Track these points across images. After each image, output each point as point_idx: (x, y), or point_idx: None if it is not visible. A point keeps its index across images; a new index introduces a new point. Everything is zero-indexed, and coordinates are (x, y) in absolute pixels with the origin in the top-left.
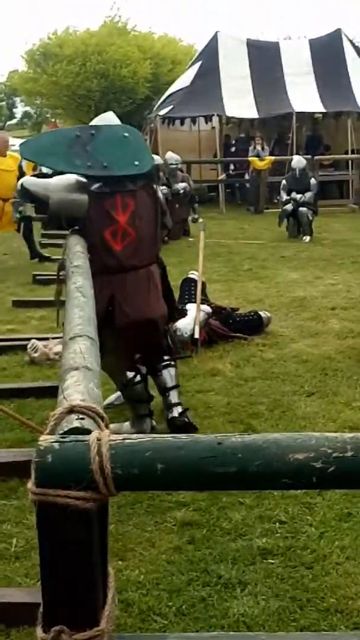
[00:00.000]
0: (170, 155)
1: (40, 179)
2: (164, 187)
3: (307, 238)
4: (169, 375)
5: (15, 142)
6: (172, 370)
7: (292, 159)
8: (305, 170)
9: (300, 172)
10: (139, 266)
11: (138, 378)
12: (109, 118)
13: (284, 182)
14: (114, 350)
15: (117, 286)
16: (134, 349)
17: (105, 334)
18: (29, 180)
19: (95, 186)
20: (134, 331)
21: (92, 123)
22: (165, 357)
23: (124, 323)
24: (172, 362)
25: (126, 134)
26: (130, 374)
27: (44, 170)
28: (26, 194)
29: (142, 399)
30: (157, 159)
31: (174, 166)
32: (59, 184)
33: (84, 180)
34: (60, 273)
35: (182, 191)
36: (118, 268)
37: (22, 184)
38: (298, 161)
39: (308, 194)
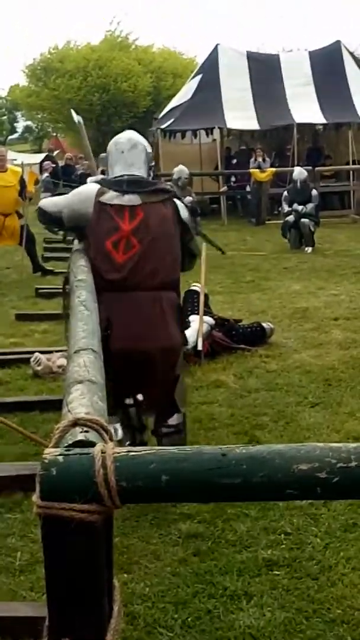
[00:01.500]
0: (181, 169)
1: (54, 197)
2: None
3: (309, 249)
4: (169, 443)
5: (17, 157)
6: (176, 439)
7: (293, 171)
8: (307, 182)
9: (302, 184)
10: (143, 287)
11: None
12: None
13: (285, 193)
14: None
15: (116, 305)
16: (127, 389)
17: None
18: (43, 201)
19: (106, 195)
20: (129, 365)
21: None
22: (172, 422)
23: (117, 349)
24: (179, 428)
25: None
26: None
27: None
28: (43, 214)
29: (134, 427)
30: (181, 170)
31: (186, 180)
32: (68, 198)
33: (95, 189)
34: (66, 287)
35: (190, 205)
36: (120, 284)
37: (38, 207)
38: (299, 173)
39: (310, 205)
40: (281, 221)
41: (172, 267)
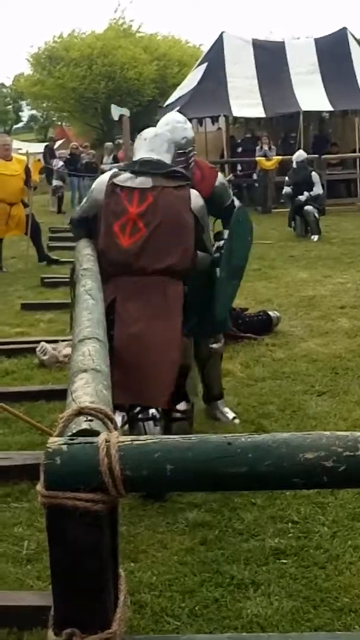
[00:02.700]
0: None
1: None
2: None
3: (315, 237)
4: (181, 431)
5: (22, 146)
6: (184, 426)
7: None
8: (304, 164)
9: (298, 164)
10: (148, 272)
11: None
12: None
13: (287, 177)
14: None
15: (120, 290)
16: (132, 382)
17: None
18: (74, 213)
19: (120, 177)
20: (133, 353)
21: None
22: (180, 407)
23: (123, 338)
24: (188, 415)
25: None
26: (119, 415)
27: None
28: (76, 223)
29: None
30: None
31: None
32: (86, 199)
33: (110, 172)
34: (74, 276)
35: None
36: (125, 268)
37: (69, 221)
38: (298, 155)
39: (314, 191)
40: (287, 209)
41: (182, 257)
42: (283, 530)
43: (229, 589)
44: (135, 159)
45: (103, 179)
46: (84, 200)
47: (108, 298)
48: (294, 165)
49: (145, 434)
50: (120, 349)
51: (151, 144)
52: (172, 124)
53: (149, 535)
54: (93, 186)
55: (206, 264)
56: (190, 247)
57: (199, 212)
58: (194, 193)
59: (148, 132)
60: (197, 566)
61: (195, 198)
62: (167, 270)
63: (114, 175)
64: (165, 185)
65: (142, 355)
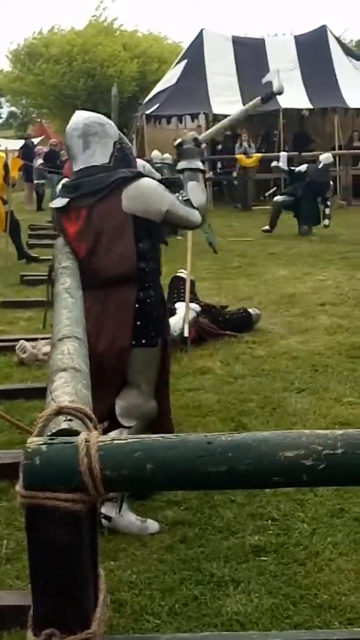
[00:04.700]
0: (156, 154)
1: None
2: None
3: (327, 221)
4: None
5: (0, 142)
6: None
7: (279, 156)
8: (329, 170)
9: (325, 166)
10: (92, 286)
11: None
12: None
13: (302, 168)
14: None
15: (86, 305)
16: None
17: None
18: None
19: (56, 201)
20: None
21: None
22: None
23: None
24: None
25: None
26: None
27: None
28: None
29: None
30: (155, 156)
31: (159, 165)
32: None
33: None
34: (52, 274)
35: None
36: (86, 282)
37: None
38: (326, 157)
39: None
40: (267, 207)
41: (122, 260)
42: (263, 528)
43: (208, 587)
44: (74, 166)
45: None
46: None
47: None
48: (320, 166)
49: None
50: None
51: (87, 144)
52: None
53: (129, 534)
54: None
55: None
56: (130, 247)
57: (132, 207)
58: (127, 192)
59: (78, 129)
60: (177, 564)
61: (127, 199)
62: (108, 279)
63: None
64: (97, 199)
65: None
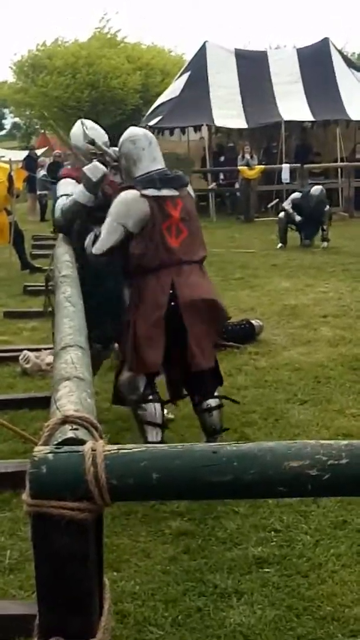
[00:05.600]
0: None
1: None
2: None
3: (325, 244)
4: (218, 417)
5: (4, 154)
6: (220, 413)
7: (281, 168)
8: (323, 201)
9: (318, 196)
10: (193, 261)
11: (152, 396)
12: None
13: (295, 195)
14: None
15: (175, 273)
16: (192, 337)
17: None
18: (92, 249)
19: (148, 191)
20: (196, 313)
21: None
22: (218, 394)
23: (188, 300)
24: (222, 403)
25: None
26: (146, 388)
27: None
28: (107, 252)
29: (155, 423)
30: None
31: None
32: (114, 218)
33: (135, 191)
34: (49, 284)
35: None
36: (175, 262)
37: (93, 255)
38: (315, 189)
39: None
40: (270, 218)
41: (204, 245)
42: (266, 539)
43: (212, 598)
44: (140, 169)
45: (134, 194)
46: (107, 226)
47: (164, 281)
48: (312, 203)
49: (155, 414)
50: (189, 309)
51: (151, 152)
52: (147, 132)
53: (132, 545)
54: (125, 204)
55: None
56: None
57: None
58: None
59: (142, 141)
60: (180, 575)
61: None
62: (201, 258)
63: (143, 191)
64: (184, 191)
65: (207, 310)
